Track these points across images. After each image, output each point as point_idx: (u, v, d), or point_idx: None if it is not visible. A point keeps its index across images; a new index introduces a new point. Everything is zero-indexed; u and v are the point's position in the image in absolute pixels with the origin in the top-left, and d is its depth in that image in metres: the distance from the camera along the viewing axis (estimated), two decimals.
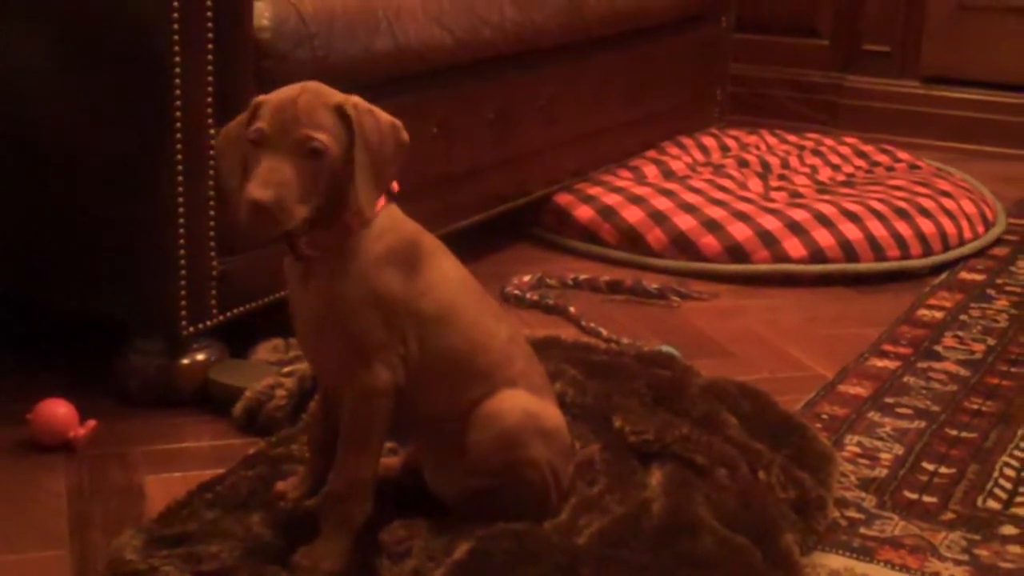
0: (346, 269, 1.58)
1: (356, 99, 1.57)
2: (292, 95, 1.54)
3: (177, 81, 2.01)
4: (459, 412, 1.65)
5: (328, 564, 1.58)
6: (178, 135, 2.03)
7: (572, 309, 2.60)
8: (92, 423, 1.97)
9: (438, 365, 1.63)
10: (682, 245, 2.96)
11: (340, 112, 1.54)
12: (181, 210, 2.06)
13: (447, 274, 1.66)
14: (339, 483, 1.62)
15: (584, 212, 3.09)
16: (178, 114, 2.02)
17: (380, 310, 1.58)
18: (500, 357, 1.66)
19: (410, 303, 1.60)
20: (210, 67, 2.05)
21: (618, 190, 3.15)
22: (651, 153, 3.54)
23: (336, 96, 1.56)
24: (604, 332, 2.48)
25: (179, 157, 2.03)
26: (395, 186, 1.65)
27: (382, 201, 1.61)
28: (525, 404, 1.64)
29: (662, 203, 3.06)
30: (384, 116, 1.59)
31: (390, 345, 1.59)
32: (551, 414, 1.68)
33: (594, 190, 3.16)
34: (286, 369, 2.11)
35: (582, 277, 2.81)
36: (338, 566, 1.58)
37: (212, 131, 2.07)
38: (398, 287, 1.59)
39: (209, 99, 2.06)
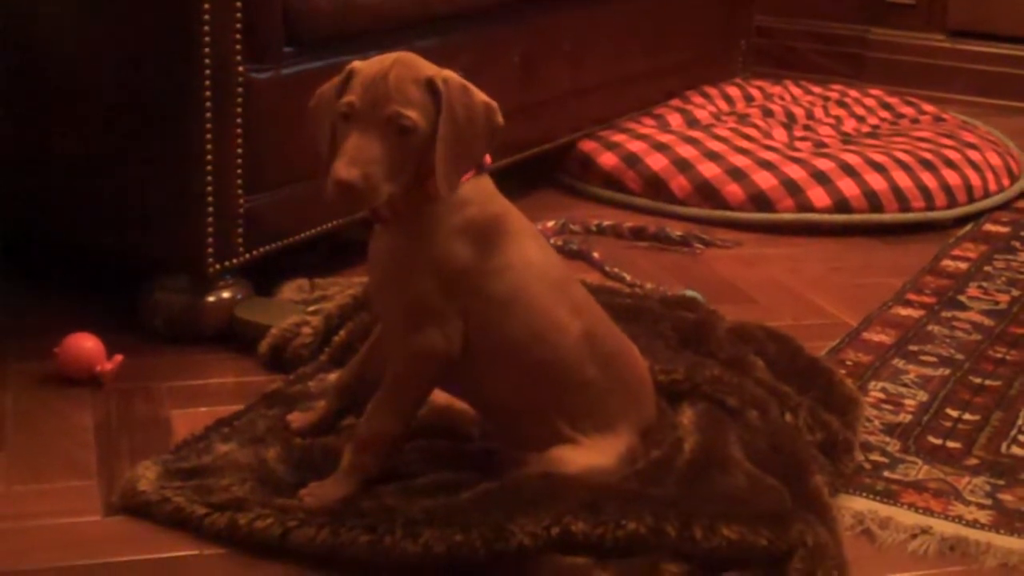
0: (418, 234, 1.57)
1: (448, 73, 1.56)
2: (384, 68, 1.52)
3: (206, 18, 2.00)
4: (519, 421, 1.64)
5: (333, 500, 1.58)
6: (206, 74, 2.02)
7: (596, 254, 2.60)
8: (119, 357, 1.98)
9: (499, 349, 1.61)
10: (706, 193, 2.95)
11: (431, 86, 1.53)
12: (209, 147, 2.06)
13: (526, 258, 1.62)
14: (364, 431, 1.62)
15: (608, 159, 3.08)
16: (206, 51, 2.01)
17: (442, 279, 1.57)
18: (568, 357, 1.62)
19: (477, 279, 1.59)
20: (238, 4, 2.04)
21: (642, 137, 3.13)
22: (675, 102, 3.52)
23: (428, 69, 1.54)
24: (628, 277, 2.47)
25: (207, 95, 2.03)
26: (488, 160, 1.63)
27: (471, 174, 1.59)
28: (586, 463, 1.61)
29: (687, 151, 3.05)
30: (478, 95, 1.57)
31: (446, 315, 1.58)
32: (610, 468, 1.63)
33: (618, 137, 3.15)
34: (311, 308, 2.11)
35: (606, 223, 2.80)
36: (343, 503, 1.58)
37: (240, 69, 2.07)
38: (466, 260, 1.58)
39: (237, 36, 2.06)
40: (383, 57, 1.55)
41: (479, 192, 1.61)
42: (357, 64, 1.56)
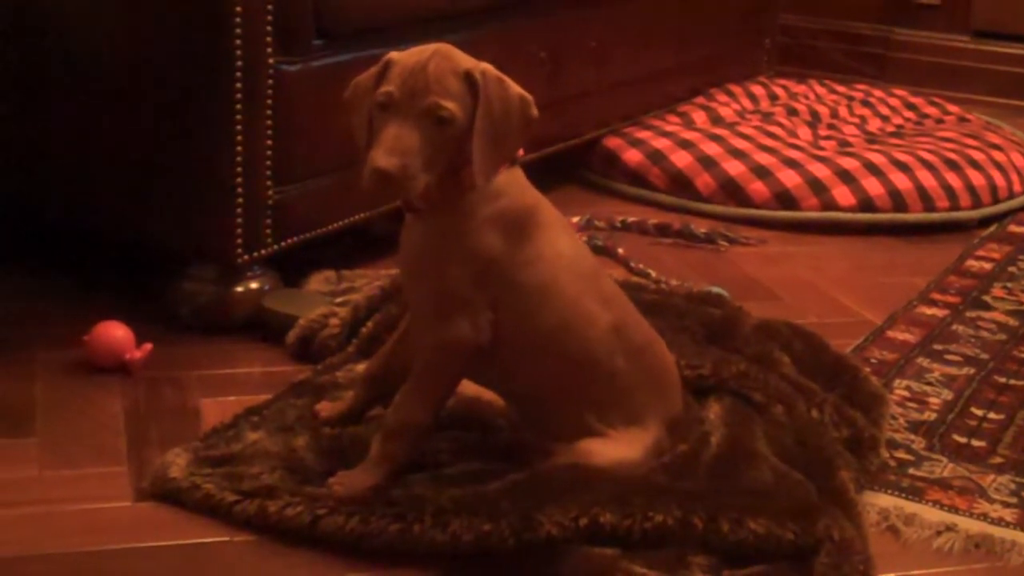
0: (451, 224, 1.59)
1: (486, 66, 1.57)
2: (423, 59, 1.53)
3: (237, 11, 2.01)
4: (547, 412, 1.65)
5: (362, 488, 1.60)
6: (237, 66, 2.03)
7: (620, 251, 2.61)
8: (148, 346, 1.99)
9: (528, 339, 1.62)
10: (731, 190, 2.95)
11: (469, 79, 1.54)
12: (239, 139, 2.07)
13: (557, 250, 1.63)
14: (393, 420, 1.64)
15: (633, 156, 3.08)
16: (237, 44, 2.03)
17: (473, 269, 1.58)
18: (596, 348, 1.64)
19: (508, 270, 1.60)
20: None
21: (667, 134, 3.14)
22: (700, 100, 3.52)
23: (466, 62, 1.55)
24: (653, 273, 2.48)
25: (237, 88, 2.04)
26: (520, 152, 1.64)
27: (504, 166, 1.60)
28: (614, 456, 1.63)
29: (711, 148, 3.05)
30: (513, 88, 1.58)
31: (476, 305, 1.59)
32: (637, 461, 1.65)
33: (643, 134, 3.15)
34: (339, 299, 2.12)
35: (630, 220, 2.81)
36: (372, 492, 1.59)
37: (270, 62, 2.08)
38: (498, 251, 1.59)
39: (268, 30, 2.07)
40: (421, 48, 1.56)
41: (512, 184, 1.63)
42: (394, 55, 1.57)
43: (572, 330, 1.63)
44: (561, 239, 1.66)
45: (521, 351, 1.63)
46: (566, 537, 1.50)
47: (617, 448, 1.62)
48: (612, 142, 3.14)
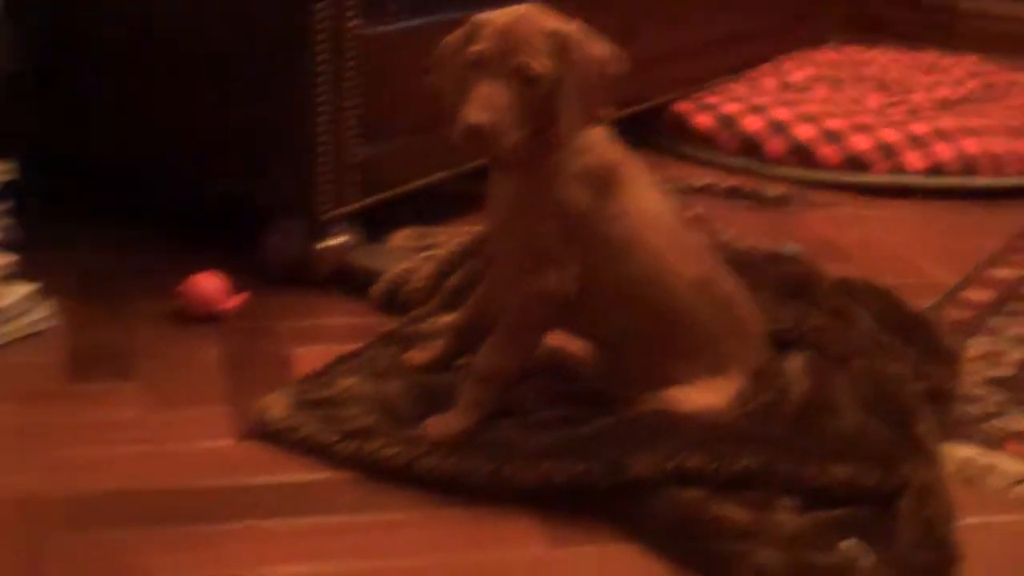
0: (540, 180, 1.64)
1: (573, 25, 1.61)
2: (512, 19, 1.58)
3: None
4: (634, 362, 1.70)
5: (455, 432, 1.65)
6: (319, 28, 2.09)
7: (693, 213, 2.64)
8: (243, 295, 2.06)
9: (615, 291, 1.67)
10: (801, 155, 2.98)
11: (556, 38, 1.58)
12: (321, 100, 2.12)
13: (643, 205, 1.69)
14: (483, 367, 1.69)
15: (704, 120, 3.11)
16: (319, 7, 2.08)
17: (562, 224, 1.63)
18: (681, 300, 1.68)
19: (595, 225, 1.65)
20: None
21: (737, 99, 3.17)
22: (769, 66, 3.54)
23: (554, 22, 1.60)
24: (727, 235, 2.51)
25: (319, 50, 2.10)
26: (606, 111, 1.68)
27: (591, 124, 1.65)
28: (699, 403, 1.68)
29: (781, 113, 3.08)
30: (600, 46, 1.62)
31: (565, 258, 1.64)
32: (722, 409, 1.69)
33: (713, 99, 3.18)
34: (423, 254, 2.18)
35: (702, 183, 2.84)
36: (463, 435, 1.65)
37: (352, 24, 2.13)
38: (585, 206, 1.64)
39: None
40: (510, 9, 1.61)
41: (598, 141, 1.67)
42: (483, 15, 1.61)
43: (658, 282, 1.68)
44: (646, 194, 1.70)
45: (608, 303, 1.68)
46: (654, 480, 1.55)
47: (702, 396, 1.67)
48: (683, 106, 3.17)
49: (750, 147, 3.04)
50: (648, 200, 1.70)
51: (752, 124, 3.07)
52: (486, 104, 1.54)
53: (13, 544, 1.49)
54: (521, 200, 1.65)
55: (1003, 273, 2.42)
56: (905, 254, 2.53)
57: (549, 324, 1.72)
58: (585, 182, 1.64)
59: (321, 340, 2.01)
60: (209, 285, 2.05)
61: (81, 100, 2.39)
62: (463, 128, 1.55)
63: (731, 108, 3.13)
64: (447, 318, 1.96)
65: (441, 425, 1.67)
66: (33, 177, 2.08)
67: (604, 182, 1.66)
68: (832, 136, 2.98)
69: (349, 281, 2.18)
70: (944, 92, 3.53)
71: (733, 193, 2.82)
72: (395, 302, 2.11)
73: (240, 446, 1.70)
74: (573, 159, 1.64)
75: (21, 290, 1.97)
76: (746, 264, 2.15)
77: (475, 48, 1.58)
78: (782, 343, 1.88)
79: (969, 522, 1.56)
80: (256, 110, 2.18)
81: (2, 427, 1.74)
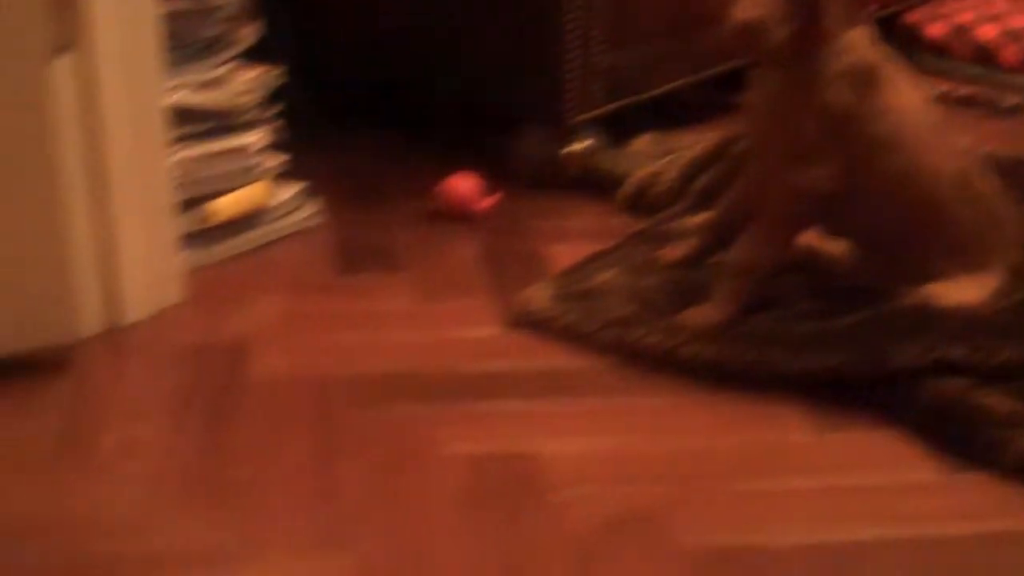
0: (804, 78, 1.67)
1: None
2: None
3: None
4: (894, 257, 1.74)
5: (711, 323, 1.71)
6: None
7: None
8: (495, 196, 2.14)
9: (878, 188, 1.70)
10: None
11: None
12: (572, 5, 2.17)
13: (905, 103, 1.71)
14: (740, 260, 1.74)
15: (936, 29, 3.07)
16: None
17: (825, 121, 1.67)
18: (942, 196, 1.71)
19: (858, 122, 1.68)
20: None
21: (971, 8, 3.11)
22: None
23: None
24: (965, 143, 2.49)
25: None
26: (868, 10, 1.71)
27: (854, 22, 1.67)
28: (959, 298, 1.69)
29: (1017, 21, 3.02)
30: None
31: (827, 155, 1.68)
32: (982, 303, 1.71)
33: (946, 9, 3.13)
34: (668, 158, 2.22)
35: (937, 92, 2.81)
36: (721, 326, 1.70)
37: None
38: (849, 103, 1.67)
39: None
40: None
41: (861, 40, 1.70)
42: None
43: (919, 178, 1.70)
44: (909, 93, 1.72)
45: (870, 199, 1.70)
46: (916, 370, 1.58)
47: (962, 291, 1.69)
48: (914, 16, 3.13)
49: (984, 56, 2.99)
50: (909, 98, 1.72)
51: (986, 33, 3.01)
52: (754, 1, 1.58)
53: (306, 418, 1.60)
54: (786, 97, 1.69)
55: None
56: None
57: (806, 221, 1.75)
58: (849, 81, 1.67)
59: (571, 239, 2.07)
60: (464, 186, 2.14)
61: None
62: (733, 24, 1.59)
63: (964, 17, 3.07)
64: (696, 219, 2.01)
65: (700, 315, 1.72)
66: (298, 85, 2.18)
67: (867, 81, 1.68)
68: None
69: (594, 184, 2.24)
70: None
71: (968, 102, 2.79)
72: (641, 204, 2.16)
73: (506, 334, 1.79)
74: (837, 58, 1.67)
75: (291, 189, 2.09)
76: (992, 168, 2.14)
77: None
78: None
79: None
80: (507, 20, 2.25)
81: (281, 314, 1.86)
